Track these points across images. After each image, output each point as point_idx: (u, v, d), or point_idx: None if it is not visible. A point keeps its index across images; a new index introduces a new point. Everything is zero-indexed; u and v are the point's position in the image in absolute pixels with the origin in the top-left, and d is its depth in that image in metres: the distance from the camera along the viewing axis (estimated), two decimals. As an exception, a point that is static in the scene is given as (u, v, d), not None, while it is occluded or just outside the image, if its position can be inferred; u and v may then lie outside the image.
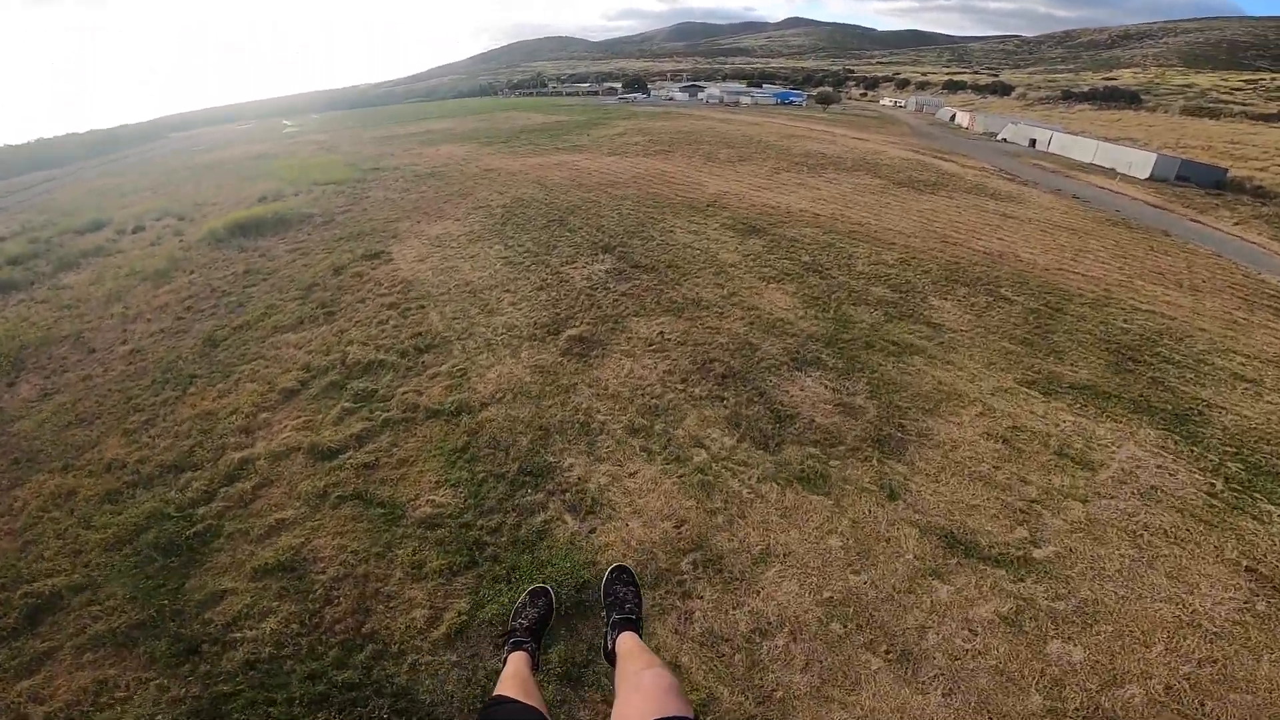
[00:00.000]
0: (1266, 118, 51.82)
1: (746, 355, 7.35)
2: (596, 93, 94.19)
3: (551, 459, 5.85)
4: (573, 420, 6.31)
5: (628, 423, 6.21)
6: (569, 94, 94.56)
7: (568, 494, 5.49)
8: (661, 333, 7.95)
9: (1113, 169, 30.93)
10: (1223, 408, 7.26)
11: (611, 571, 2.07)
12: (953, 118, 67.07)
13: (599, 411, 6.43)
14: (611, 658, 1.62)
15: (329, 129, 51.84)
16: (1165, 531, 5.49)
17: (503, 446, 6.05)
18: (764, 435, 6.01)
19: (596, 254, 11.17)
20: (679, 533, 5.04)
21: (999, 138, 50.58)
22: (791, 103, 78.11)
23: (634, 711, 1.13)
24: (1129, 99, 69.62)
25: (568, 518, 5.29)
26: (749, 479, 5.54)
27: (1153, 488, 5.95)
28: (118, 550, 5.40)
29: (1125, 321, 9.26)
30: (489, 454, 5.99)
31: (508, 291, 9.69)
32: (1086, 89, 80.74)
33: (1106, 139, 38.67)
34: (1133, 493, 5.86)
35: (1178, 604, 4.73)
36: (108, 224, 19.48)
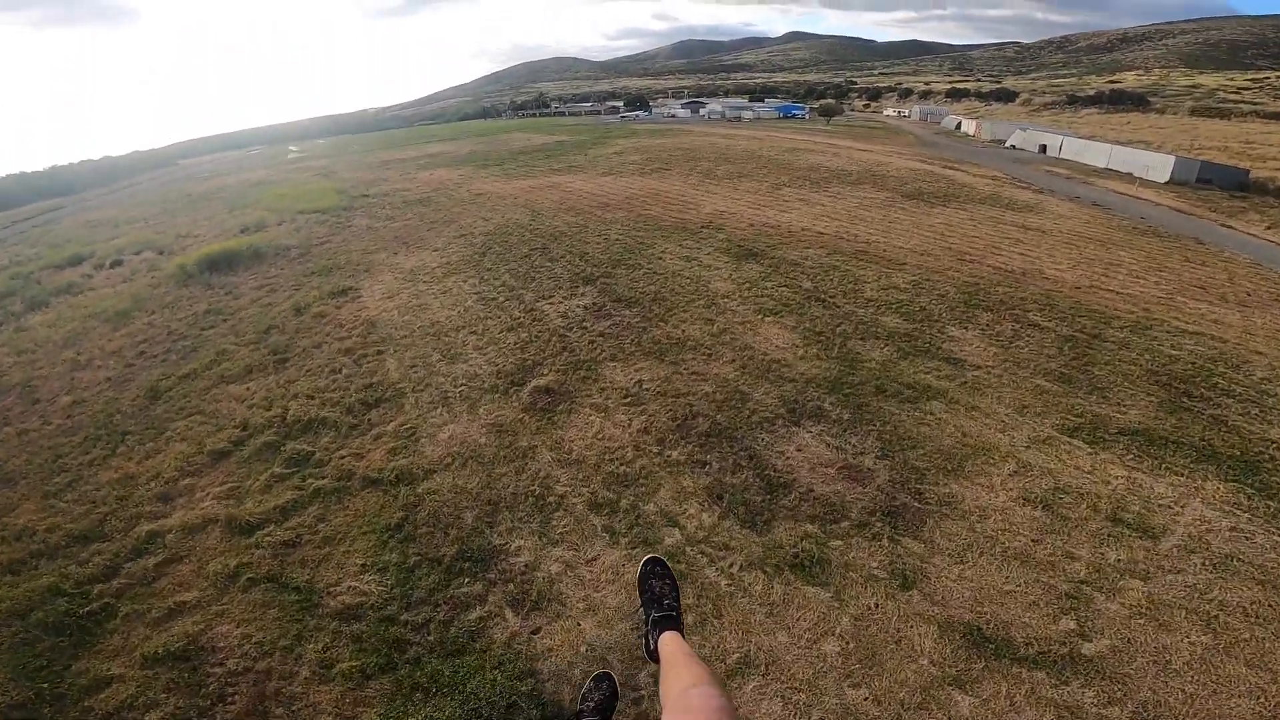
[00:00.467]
0: (1279, 116, 50.33)
1: (735, 407, 6.36)
2: (599, 112, 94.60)
3: (498, 540, 4.92)
4: (527, 492, 5.38)
5: (590, 496, 5.25)
6: (571, 114, 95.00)
7: (511, 584, 4.55)
8: (639, 381, 7.02)
9: (1129, 173, 29.73)
10: (1297, 450, 6.17)
11: (645, 564, 1.93)
12: (958, 126, 66.30)
13: (558, 481, 5.48)
14: (655, 657, 1.57)
15: (331, 154, 52.21)
16: (1244, 610, 4.47)
17: (443, 524, 5.13)
18: (751, 510, 5.01)
19: (577, 286, 10.30)
20: (640, 636, 4.10)
21: (1008, 145, 49.59)
22: (794, 116, 77.75)
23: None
24: (1136, 101, 68.36)
25: (508, 614, 4.36)
26: (730, 566, 4.55)
27: (1227, 556, 4.90)
28: (7, 626, 4.84)
29: (1173, 347, 8.15)
30: (426, 533, 5.07)
31: (474, 333, 8.83)
32: (1092, 93, 79.66)
33: (1119, 143, 37.52)
34: (1203, 564, 4.82)
35: (1259, 698, 3.77)
36: (89, 258, 19.00)
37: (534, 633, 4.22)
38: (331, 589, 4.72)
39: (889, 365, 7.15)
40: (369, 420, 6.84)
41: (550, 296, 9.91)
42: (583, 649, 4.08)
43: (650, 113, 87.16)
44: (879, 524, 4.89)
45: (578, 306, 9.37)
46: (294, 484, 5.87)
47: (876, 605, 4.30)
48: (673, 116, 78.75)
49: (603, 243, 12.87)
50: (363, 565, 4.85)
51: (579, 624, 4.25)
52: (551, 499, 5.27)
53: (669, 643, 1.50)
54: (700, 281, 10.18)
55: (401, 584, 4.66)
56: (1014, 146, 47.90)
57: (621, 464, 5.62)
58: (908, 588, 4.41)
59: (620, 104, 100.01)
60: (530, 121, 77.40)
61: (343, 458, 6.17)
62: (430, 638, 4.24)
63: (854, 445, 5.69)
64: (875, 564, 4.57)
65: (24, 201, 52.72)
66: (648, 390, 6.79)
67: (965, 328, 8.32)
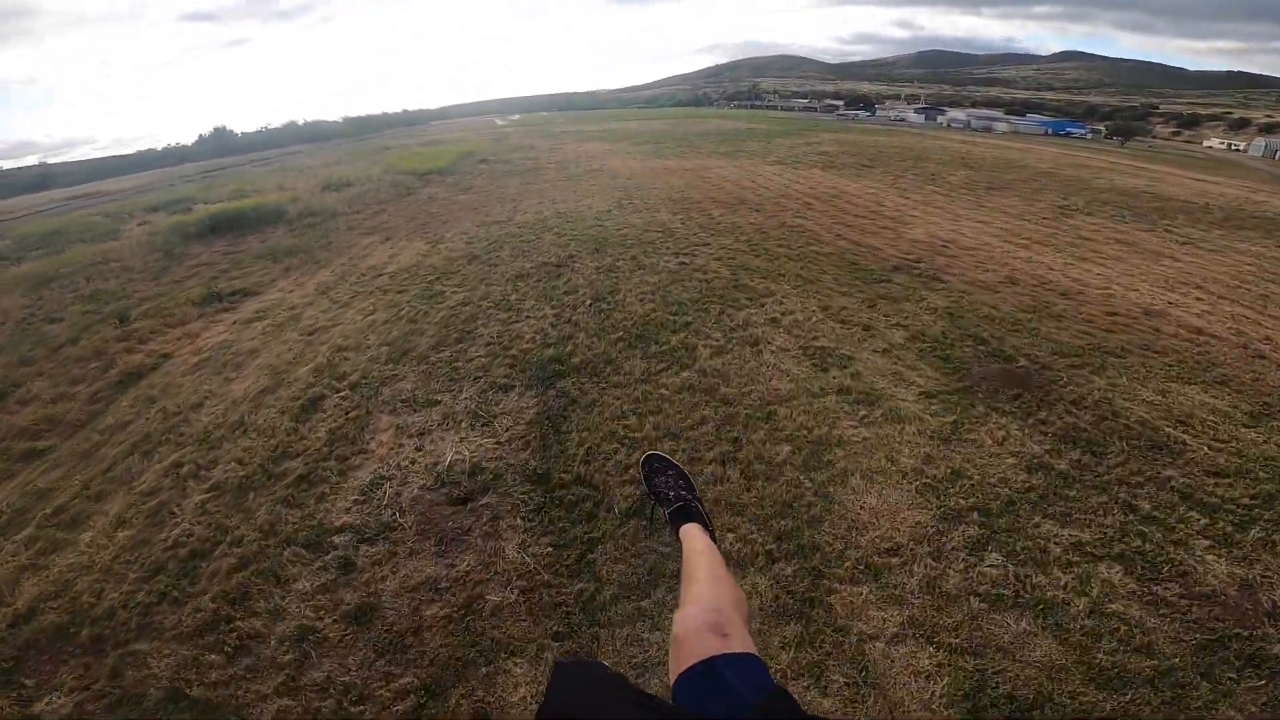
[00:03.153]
0: None
1: None
2: (814, 109, 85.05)
3: None
4: None
5: None
6: (784, 109, 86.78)
7: None
8: None
9: None
10: None
11: (645, 463, 1.67)
12: (1345, 168, 46.30)
13: None
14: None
15: (530, 124, 55.07)
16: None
17: None
18: None
19: (509, 391, 4.15)
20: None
21: None
22: (1069, 134, 61.14)
23: (671, 664, 0.91)
24: None
25: None
26: None
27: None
28: None
29: None
30: None
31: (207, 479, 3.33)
32: None
33: None
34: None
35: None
36: (191, 200, 17.95)
37: None
38: None
39: None
40: None
41: (426, 405, 3.93)
42: None
43: (874, 114, 75.72)
44: None
45: (444, 478, 3.29)
46: None
47: None
48: (901, 120, 66.94)
49: (665, 273, 6.43)
50: None
51: None
52: None
53: (687, 538, 1.38)
54: (822, 473, 3.35)
55: None
56: None
57: None
58: None
59: (840, 103, 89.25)
60: (735, 111, 71.26)
61: None
62: None
63: None
64: None
65: (278, 145, 62.63)
66: None
67: None
